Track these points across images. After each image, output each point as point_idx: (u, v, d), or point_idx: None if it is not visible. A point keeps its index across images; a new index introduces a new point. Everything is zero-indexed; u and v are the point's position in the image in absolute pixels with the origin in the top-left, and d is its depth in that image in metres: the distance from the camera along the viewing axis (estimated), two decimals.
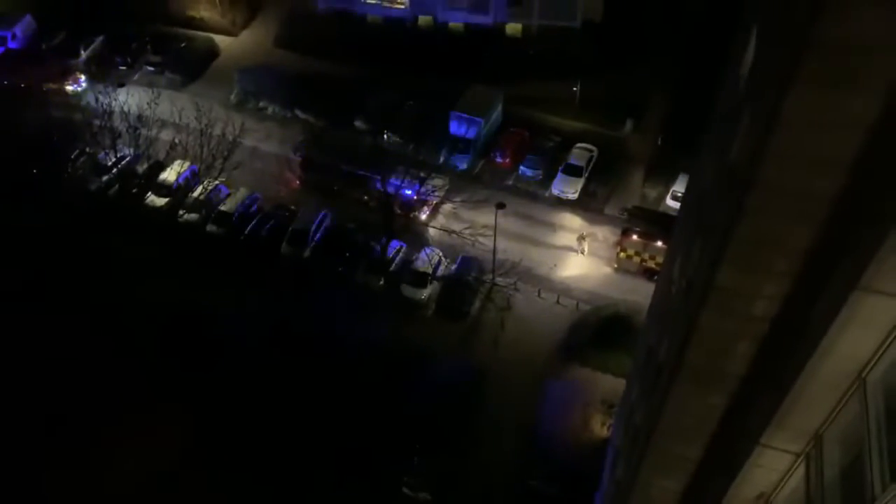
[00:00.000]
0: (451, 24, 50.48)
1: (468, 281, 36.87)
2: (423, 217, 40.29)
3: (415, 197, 38.81)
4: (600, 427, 32.00)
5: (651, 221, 36.69)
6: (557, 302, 36.65)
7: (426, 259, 37.34)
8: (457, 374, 33.69)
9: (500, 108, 45.22)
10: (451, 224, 38.86)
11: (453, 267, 37.95)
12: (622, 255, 37.14)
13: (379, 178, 37.00)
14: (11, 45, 49.72)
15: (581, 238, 38.37)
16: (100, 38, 50.81)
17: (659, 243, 35.35)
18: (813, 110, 8.39)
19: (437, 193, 40.10)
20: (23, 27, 50.74)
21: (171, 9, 52.76)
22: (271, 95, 46.92)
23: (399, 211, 37.98)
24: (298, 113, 46.53)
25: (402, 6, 50.42)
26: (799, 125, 8.61)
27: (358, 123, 45.21)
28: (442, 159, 42.97)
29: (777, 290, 10.38)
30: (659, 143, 43.01)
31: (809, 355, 9.45)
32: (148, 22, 51.61)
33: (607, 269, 37.90)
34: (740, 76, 12.87)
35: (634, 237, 36.29)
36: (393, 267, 38.10)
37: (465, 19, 49.91)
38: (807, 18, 7.99)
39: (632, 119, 44.66)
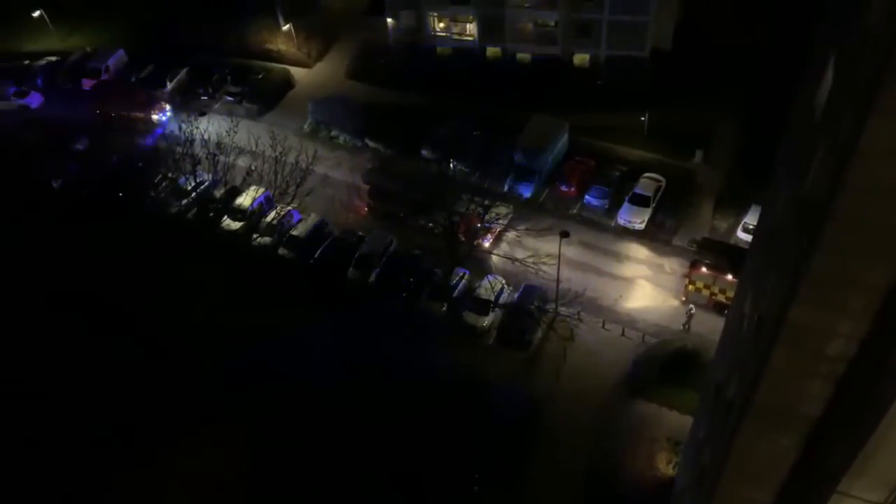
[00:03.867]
0: (519, 55, 50.98)
1: (530, 310, 36.55)
2: (487, 244, 40.41)
3: (479, 224, 39.00)
4: (665, 465, 30.91)
5: (721, 254, 35.61)
6: (622, 334, 35.86)
7: (489, 286, 37.32)
8: (516, 405, 33.31)
9: (565, 137, 45.14)
10: (514, 252, 38.78)
11: (516, 295, 37.75)
12: (691, 287, 36.12)
13: (444, 205, 37.44)
14: (105, 77, 53.37)
15: (689, 315, 35.28)
16: (184, 71, 53.86)
17: (729, 276, 34.25)
18: (892, 140, 8.09)
19: (501, 221, 40.23)
20: (115, 60, 54.50)
21: (251, 42, 55.57)
22: (342, 125, 48.44)
23: (463, 238, 38.23)
24: (368, 142, 47.80)
25: (471, 38, 51.33)
26: (877, 156, 8.31)
27: (425, 152, 46.04)
28: (507, 187, 43.18)
29: (854, 329, 9.93)
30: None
31: (893, 399, 8.96)
32: (228, 55, 54.46)
33: (675, 302, 36.90)
34: (815, 106, 12.50)
35: (703, 270, 35.26)
36: (455, 293, 38.25)
37: (532, 50, 50.31)
38: (886, 47, 7.76)
39: (701, 149, 43.73)
